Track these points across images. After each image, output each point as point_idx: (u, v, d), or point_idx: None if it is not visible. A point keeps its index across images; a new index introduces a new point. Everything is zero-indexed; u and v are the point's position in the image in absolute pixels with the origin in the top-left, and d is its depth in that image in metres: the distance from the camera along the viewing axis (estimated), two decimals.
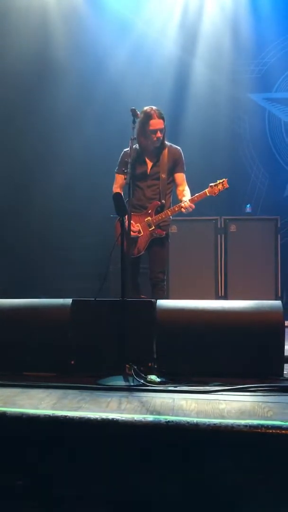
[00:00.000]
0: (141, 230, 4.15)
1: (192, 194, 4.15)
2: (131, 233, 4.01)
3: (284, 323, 3.01)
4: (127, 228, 3.91)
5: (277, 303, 3.11)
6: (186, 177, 4.23)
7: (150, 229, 4.13)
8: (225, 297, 5.58)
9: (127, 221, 3.89)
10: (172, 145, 4.18)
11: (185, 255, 5.64)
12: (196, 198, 4.04)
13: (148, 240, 4.16)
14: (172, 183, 4.21)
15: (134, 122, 3.81)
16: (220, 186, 4.04)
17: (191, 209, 4.03)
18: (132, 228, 4.01)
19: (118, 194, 3.08)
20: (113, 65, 6.47)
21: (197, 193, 4.09)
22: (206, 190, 4.06)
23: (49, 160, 6.49)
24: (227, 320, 3.02)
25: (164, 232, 4.19)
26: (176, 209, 4.09)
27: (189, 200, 4.04)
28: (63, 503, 2.11)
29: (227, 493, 2.01)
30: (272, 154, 6.79)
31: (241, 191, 6.66)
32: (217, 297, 5.60)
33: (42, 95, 6.50)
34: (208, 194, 4.04)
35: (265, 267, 5.61)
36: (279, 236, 5.72)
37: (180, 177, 4.17)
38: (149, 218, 4.13)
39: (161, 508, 2.05)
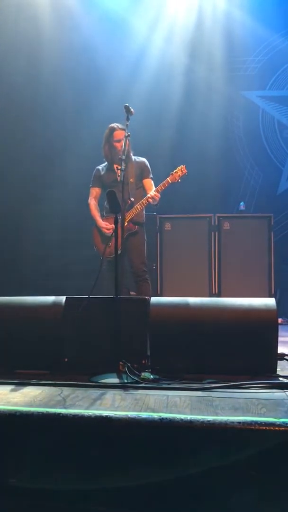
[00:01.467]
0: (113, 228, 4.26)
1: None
2: (106, 231, 4.42)
3: (277, 320, 3.02)
4: (99, 229, 4.37)
5: (271, 300, 3.12)
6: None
7: (124, 226, 4.31)
8: (219, 294, 5.58)
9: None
10: (138, 157, 4.53)
11: (179, 252, 5.64)
12: (160, 188, 4.33)
13: (124, 237, 4.31)
14: (141, 189, 4.51)
15: (127, 119, 3.84)
16: (179, 172, 4.34)
17: (157, 198, 4.32)
18: (107, 227, 4.43)
19: (112, 191, 3.08)
20: (105, 64, 6.44)
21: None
22: (168, 178, 4.34)
23: (43, 162, 6.46)
24: (220, 317, 3.02)
25: (137, 226, 4.45)
26: (144, 202, 4.36)
27: (154, 190, 4.34)
28: (56, 500, 2.10)
29: (220, 490, 2.01)
30: (266, 151, 6.80)
31: (235, 189, 6.67)
32: (211, 294, 5.60)
33: (38, 99, 6.45)
34: (170, 182, 4.33)
35: (259, 265, 5.62)
36: (272, 233, 5.72)
37: (148, 182, 4.53)
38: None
39: (155, 504, 2.06)
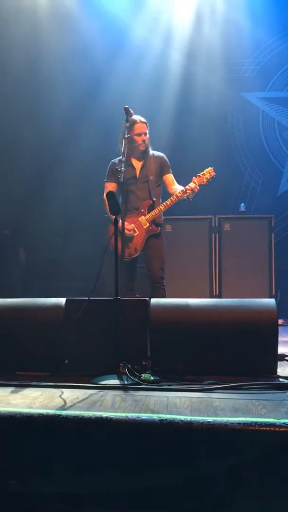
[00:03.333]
0: (135, 229, 4.20)
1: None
2: (126, 231, 4.12)
3: (278, 321, 3.02)
4: (121, 227, 3.99)
5: (271, 301, 3.12)
6: (180, 176, 4.34)
7: (145, 227, 4.20)
8: (220, 295, 5.59)
9: (120, 221, 4.00)
10: (156, 152, 4.33)
11: (180, 254, 5.64)
12: (185, 190, 4.11)
13: (144, 238, 4.22)
14: (160, 186, 4.34)
15: (127, 120, 3.83)
16: (207, 175, 4.15)
17: (196, 190, 4.08)
18: (126, 227, 4.12)
19: (111, 192, 3.08)
20: (105, 65, 6.45)
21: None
22: (195, 179, 4.13)
23: (42, 161, 6.47)
24: (221, 318, 3.02)
25: (159, 228, 4.27)
26: (174, 199, 4.13)
27: (191, 184, 4.09)
28: (56, 501, 2.10)
29: (221, 491, 2.01)
30: (266, 153, 6.80)
31: (235, 190, 6.68)
32: (212, 295, 5.60)
33: (36, 100, 6.47)
34: (197, 183, 4.12)
35: (259, 266, 5.63)
36: (272, 234, 5.73)
37: (170, 177, 4.32)
38: (143, 216, 4.21)
39: (156, 505, 2.05)
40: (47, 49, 6.47)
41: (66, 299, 3.18)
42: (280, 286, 5.79)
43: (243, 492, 1.98)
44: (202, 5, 6.54)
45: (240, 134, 6.82)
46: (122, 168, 3.78)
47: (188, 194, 4.08)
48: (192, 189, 4.07)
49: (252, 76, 6.78)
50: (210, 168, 4.18)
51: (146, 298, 3.16)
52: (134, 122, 4.11)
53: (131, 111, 3.83)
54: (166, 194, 4.35)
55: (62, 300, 3.18)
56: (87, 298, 3.07)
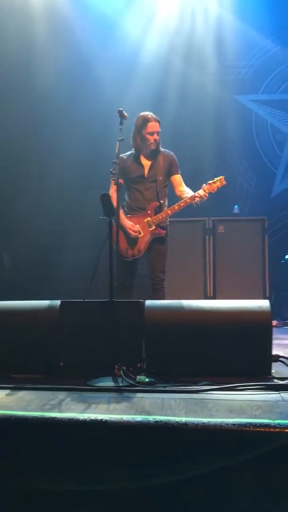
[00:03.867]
0: (141, 231, 4.19)
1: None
2: (132, 232, 4.12)
3: (272, 322, 3.03)
4: (123, 228, 4.05)
5: (265, 302, 3.13)
6: None
7: (151, 229, 4.19)
8: (214, 297, 5.60)
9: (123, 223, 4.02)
10: (166, 150, 4.28)
11: (174, 255, 5.62)
12: (194, 196, 4.10)
13: (149, 240, 4.21)
14: (168, 186, 4.30)
15: (121, 123, 3.81)
16: (218, 183, 4.15)
17: (205, 198, 4.08)
18: (132, 228, 4.13)
19: (105, 194, 3.08)
20: (98, 66, 6.46)
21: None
22: (204, 186, 4.12)
23: (38, 161, 6.47)
24: (215, 319, 3.03)
25: (164, 232, 4.25)
26: (183, 204, 4.12)
27: (201, 191, 4.09)
28: (52, 503, 2.10)
29: (216, 492, 2.01)
30: (259, 155, 6.83)
31: (229, 192, 6.66)
32: (206, 297, 5.61)
33: (30, 97, 6.46)
34: (207, 191, 4.11)
35: (253, 267, 5.65)
36: (266, 236, 5.75)
37: (178, 178, 4.27)
38: (149, 218, 4.19)
39: (151, 506, 2.06)
40: (39, 49, 6.46)
41: (61, 301, 3.17)
42: (274, 288, 5.81)
43: (238, 493, 1.99)
44: (196, 7, 6.57)
45: (234, 136, 6.84)
46: (117, 170, 3.76)
47: (196, 201, 4.07)
48: (201, 197, 4.06)
49: (245, 78, 6.81)
50: (221, 177, 4.17)
51: (141, 300, 3.16)
52: (148, 120, 4.08)
53: (125, 113, 3.82)
54: (172, 194, 4.34)
55: (57, 302, 3.17)
56: (82, 300, 3.07)
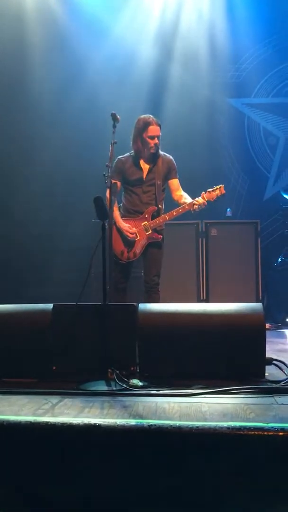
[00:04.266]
0: (137, 234, 4.19)
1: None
2: (129, 235, 4.12)
3: (265, 325, 3.04)
4: (120, 230, 4.08)
5: (258, 305, 3.14)
6: None
7: (147, 233, 4.19)
8: (207, 300, 5.60)
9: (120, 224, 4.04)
10: (165, 154, 4.28)
11: (167, 259, 5.56)
12: (193, 203, 4.10)
13: (145, 244, 4.21)
14: (165, 191, 4.30)
15: (114, 126, 3.81)
16: (218, 192, 4.14)
17: (204, 206, 4.07)
18: (129, 230, 4.14)
19: (99, 197, 3.07)
20: (91, 69, 6.45)
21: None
22: (204, 194, 4.12)
23: (28, 165, 6.44)
24: (208, 323, 3.03)
25: (161, 236, 4.24)
26: (181, 210, 4.12)
27: (200, 198, 4.09)
28: (45, 508, 2.08)
29: (209, 495, 2.01)
30: (252, 158, 6.85)
31: (221, 195, 6.70)
32: (199, 300, 5.61)
33: (19, 100, 6.46)
34: (206, 199, 4.11)
35: (246, 270, 5.66)
36: (259, 239, 5.77)
37: (176, 182, 4.28)
38: (146, 222, 4.19)
39: (146, 510, 2.04)
40: (32, 53, 6.47)
41: (54, 304, 3.16)
42: (266, 291, 5.82)
43: (232, 496, 1.98)
44: (189, 11, 6.59)
45: (226, 140, 6.86)
46: (110, 174, 3.75)
47: (195, 208, 4.08)
48: (200, 205, 4.06)
49: (238, 82, 6.84)
50: (221, 185, 4.16)
51: (134, 304, 3.16)
52: (149, 123, 4.06)
53: (118, 116, 3.82)
54: (168, 199, 4.34)
55: (49, 306, 3.16)
56: (74, 303, 3.06)
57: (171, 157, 4.29)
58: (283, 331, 5.27)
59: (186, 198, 4.19)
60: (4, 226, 6.37)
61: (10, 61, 6.41)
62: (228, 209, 6.22)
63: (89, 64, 6.46)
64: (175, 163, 4.28)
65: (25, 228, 6.38)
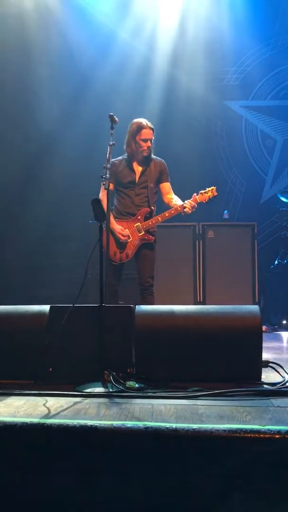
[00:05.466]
0: (130, 235, 4.21)
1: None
2: (121, 237, 4.16)
3: (262, 327, 3.04)
4: (113, 232, 4.12)
5: (255, 308, 3.14)
6: None
7: (140, 234, 4.23)
8: (203, 302, 5.60)
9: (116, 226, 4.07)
10: (157, 157, 4.34)
11: (163, 260, 5.64)
12: (185, 205, 4.16)
13: (137, 246, 4.25)
14: (157, 194, 4.35)
15: (112, 128, 3.82)
16: (210, 194, 4.22)
17: (193, 209, 4.15)
18: (122, 232, 4.17)
19: (96, 199, 3.06)
20: (89, 71, 6.47)
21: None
22: (196, 196, 4.18)
23: (27, 166, 6.44)
24: (205, 325, 3.03)
25: (153, 238, 4.29)
26: (173, 212, 4.18)
27: (191, 200, 4.16)
28: (37, 509, 2.08)
29: (206, 498, 2.00)
30: (249, 161, 6.87)
31: (219, 198, 6.60)
32: (196, 302, 5.62)
33: (26, 105, 6.45)
34: (198, 201, 4.18)
35: (243, 273, 5.67)
36: (256, 241, 5.78)
37: (167, 186, 4.34)
38: (139, 223, 4.24)
39: None
40: (33, 53, 6.47)
41: (51, 306, 3.15)
42: (263, 293, 5.84)
43: (229, 499, 1.98)
44: (187, 13, 6.60)
45: (224, 142, 6.88)
46: (107, 175, 3.75)
47: (186, 211, 4.14)
48: (191, 207, 4.13)
49: (236, 84, 6.86)
50: (213, 187, 4.24)
51: (131, 305, 3.15)
52: (142, 127, 4.14)
53: (116, 118, 3.82)
54: (159, 201, 4.39)
55: (46, 307, 3.15)
56: (71, 305, 3.05)
57: (163, 160, 4.35)
58: (279, 334, 5.29)
59: (177, 201, 4.26)
60: (2, 227, 6.36)
61: (13, 62, 6.41)
62: (225, 211, 6.24)
63: (86, 66, 6.47)
64: (167, 167, 4.35)
65: (22, 229, 6.37)
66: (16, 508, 2.08)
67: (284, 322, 5.63)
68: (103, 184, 3.78)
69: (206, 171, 6.47)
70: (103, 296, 2.96)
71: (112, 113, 3.81)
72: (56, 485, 2.07)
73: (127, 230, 4.21)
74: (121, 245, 4.19)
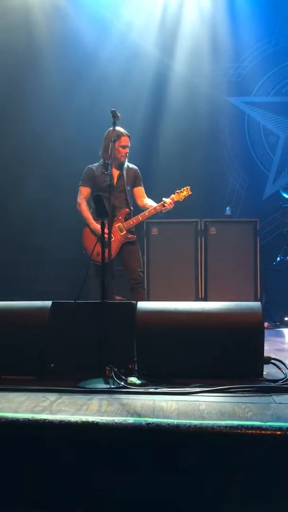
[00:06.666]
0: (112, 235, 4.28)
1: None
2: (105, 235, 4.12)
3: (264, 324, 3.04)
4: (94, 231, 4.26)
5: (257, 304, 3.13)
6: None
7: (122, 234, 4.37)
8: (205, 299, 5.60)
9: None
10: (130, 164, 4.54)
11: (165, 257, 5.65)
12: (165, 204, 4.36)
13: (119, 245, 4.38)
14: (133, 197, 4.56)
15: (114, 123, 3.83)
16: (185, 193, 4.44)
17: (171, 206, 4.35)
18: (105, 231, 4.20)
19: (99, 195, 3.07)
20: (93, 66, 6.45)
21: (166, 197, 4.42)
22: (173, 195, 4.41)
23: (26, 161, 6.42)
24: (207, 321, 3.03)
25: (135, 237, 4.47)
26: (153, 211, 4.38)
27: (169, 199, 4.36)
28: (43, 507, 2.08)
29: (207, 494, 2.01)
30: (251, 157, 6.86)
31: (221, 194, 6.71)
32: (197, 299, 5.62)
33: (20, 100, 6.43)
34: (175, 200, 4.40)
35: (245, 269, 5.66)
36: (258, 238, 5.77)
37: (141, 190, 4.56)
38: (120, 223, 4.38)
39: (142, 509, 2.05)
40: (35, 47, 6.46)
41: (52, 302, 3.16)
42: (265, 290, 5.83)
43: (230, 496, 1.98)
44: (190, 9, 6.58)
45: (226, 138, 6.86)
46: (109, 171, 3.76)
47: (165, 208, 4.34)
48: (169, 204, 4.33)
49: (238, 80, 6.84)
50: (188, 186, 4.45)
51: (133, 302, 3.16)
52: (121, 134, 4.32)
53: (118, 114, 3.83)
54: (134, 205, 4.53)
55: (47, 303, 3.15)
56: (73, 301, 3.05)
57: (136, 167, 4.57)
58: (281, 330, 5.28)
59: (152, 203, 4.46)
60: (2, 223, 6.36)
61: (15, 58, 6.39)
62: (227, 208, 6.22)
63: (89, 62, 6.45)
64: (139, 173, 4.57)
65: (23, 225, 6.36)
66: (17, 504, 2.09)
67: (286, 318, 5.63)
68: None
69: (208, 167, 6.46)
70: (105, 293, 2.96)
71: (114, 109, 3.81)
72: (58, 481, 2.08)
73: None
74: (106, 245, 4.21)
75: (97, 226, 4.28)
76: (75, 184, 4.61)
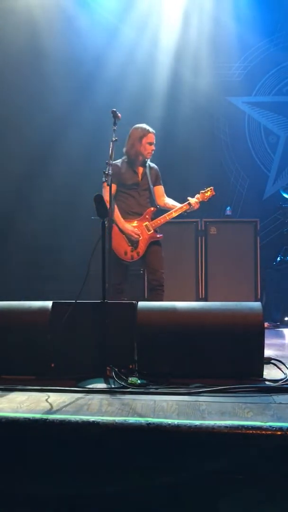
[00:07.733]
0: (140, 234, 4.31)
1: (175, 197, 4.48)
2: (135, 235, 4.29)
3: (264, 324, 3.04)
4: (124, 231, 4.23)
5: (257, 304, 3.13)
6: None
7: (149, 233, 4.35)
8: (206, 299, 5.61)
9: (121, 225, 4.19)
10: (151, 163, 4.48)
11: (166, 257, 5.59)
12: (190, 204, 4.37)
13: (147, 244, 4.36)
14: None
15: (114, 124, 3.82)
16: (209, 193, 4.46)
17: (197, 206, 4.38)
18: (134, 231, 4.30)
19: (99, 195, 3.06)
20: (92, 68, 6.45)
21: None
22: (198, 195, 4.41)
23: (29, 161, 6.43)
24: (207, 321, 3.03)
25: (161, 236, 4.43)
26: (179, 210, 4.36)
27: (195, 198, 4.39)
28: (42, 506, 2.08)
29: (208, 494, 2.01)
30: (252, 157, 6.86)
31: (221, 194, 6.69)
32: (198, 299, 5.62)
33: (24, 100, 6.44)
34: (200, 199, 4.40)
35: (245, 269, 5.66)
36: (258, 238, 5.77)
37: (161, 189, 4.52)
38: (147, 222, 4.36)
39: (142, 509, 2.05)
40: (41, 48, 6.46)
41: (53, 302, 3.16)
42: (265, 289, 5.83)
43: (230, 496, 1.99)
44: (191, 8, 6.57)
45: (226, 138, 6.86)
46: (110, 171, 3.75)
47: (190, 208, 4.34)
48: (194, 204, 4.33)
49: (239, 80, 6.84)
50: (211, 187, 4.45)
51: (133, 302, 3.16)
52: (148, 131, 4.31)
53: (119, 114, 3.83)
54: None
55: (48, 303, 3.16)
56: (74, 301, 3.06)
57: (156, 166, 4.52)
58: (281, 330, 5.28)
59: (174, 202, 4.46)
60: (4, 223, 6.36)
61: (22, 61, 6.40)
62: (228, 208, 6.22)
63: (89, 62, 6.45)
64: (159, 172, 4.52)
65: (25, 225, 6.37)
66: (17, 503, 2.09)
67: (286, 318, 5.63)
68: (105, 180, 3.78)
69: (209, 167, 6.46)
70: (105, 293, 2.96)
71: (114, 109, 3.81)
72: (58, 481, 2.08)
73: (136, 229, 4.32)
74: (133, 244, 4.29)
75: (128, 226, 4.27)
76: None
